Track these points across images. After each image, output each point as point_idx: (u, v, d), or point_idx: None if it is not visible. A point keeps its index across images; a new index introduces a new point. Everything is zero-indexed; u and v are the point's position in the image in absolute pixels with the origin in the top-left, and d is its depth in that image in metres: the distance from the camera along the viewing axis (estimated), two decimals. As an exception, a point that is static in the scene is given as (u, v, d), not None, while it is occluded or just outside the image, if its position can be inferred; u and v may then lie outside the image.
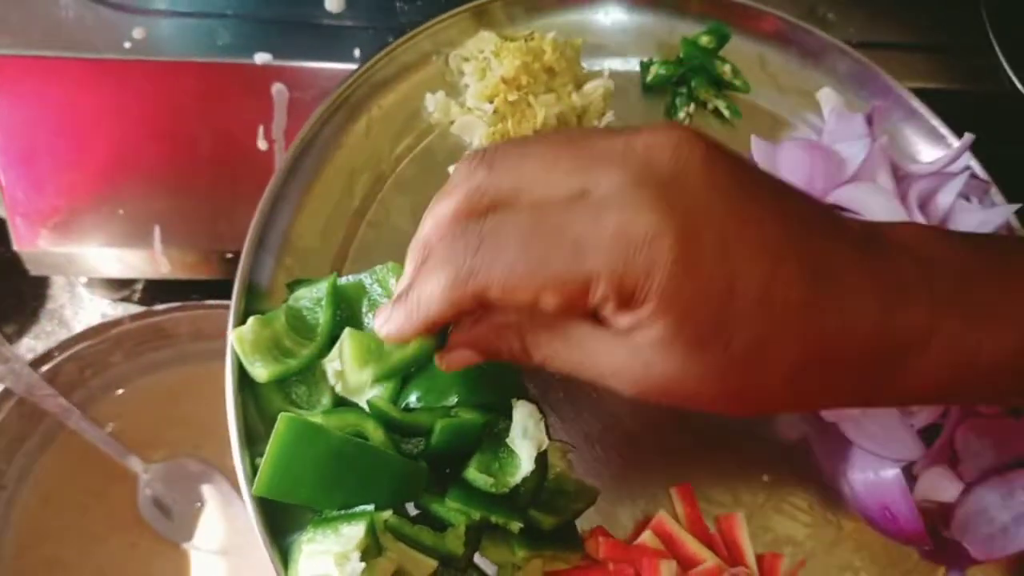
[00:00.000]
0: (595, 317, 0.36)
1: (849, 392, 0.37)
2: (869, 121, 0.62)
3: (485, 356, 0.40)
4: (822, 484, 0.55)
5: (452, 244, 0.36)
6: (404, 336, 0.39)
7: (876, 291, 0.35)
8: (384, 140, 0.59)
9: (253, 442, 0.48)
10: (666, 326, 0.33)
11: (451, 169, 0.59)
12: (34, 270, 0.67)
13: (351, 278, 0.52)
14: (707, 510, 0.53)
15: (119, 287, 0.76)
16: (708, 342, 0.34)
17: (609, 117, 0.61)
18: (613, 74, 0.63)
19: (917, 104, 0.64)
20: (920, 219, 0.58)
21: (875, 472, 0.53)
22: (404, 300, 0.38)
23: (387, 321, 0.40)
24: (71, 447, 0.65)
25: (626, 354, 0.35)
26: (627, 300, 0.33)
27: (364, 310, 0.52)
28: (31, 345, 0.64)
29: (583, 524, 0.52)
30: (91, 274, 0.70)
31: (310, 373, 0.50)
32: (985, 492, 0.54)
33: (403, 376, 0.48)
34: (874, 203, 0.59)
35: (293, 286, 0.52)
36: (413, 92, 0.60)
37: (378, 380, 0.47)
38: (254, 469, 0.46)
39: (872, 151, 0.59)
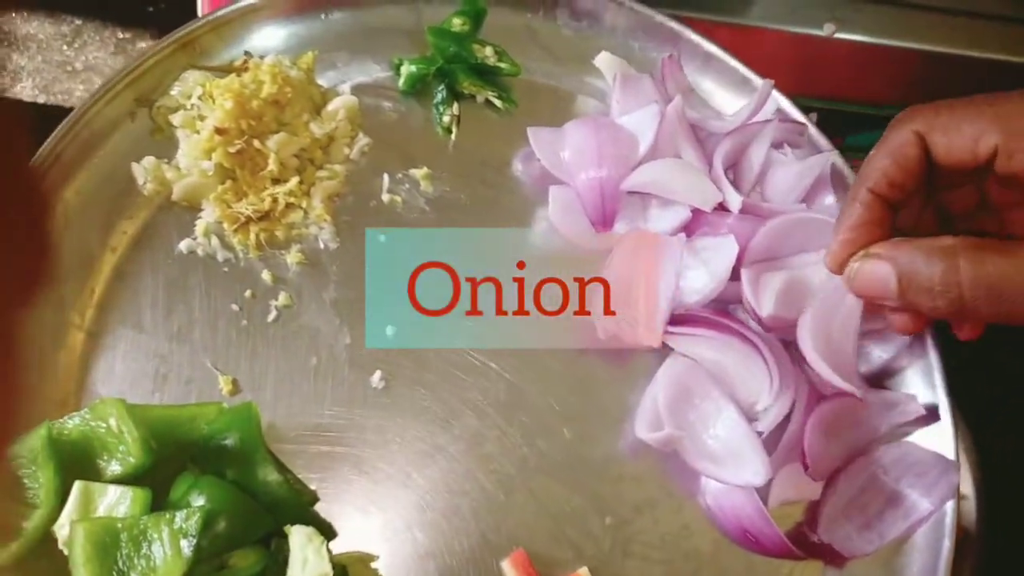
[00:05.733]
0: None
1: None
2: (662, 80, 0.54)
3: (902, 273, 0.41)
4: (670, 511, 0.49)
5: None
6: (862, 244, 0.43)
7: None
8: (91, 230, 0.49)
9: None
10: None
11: (182, 246, 0.50)
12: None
13: (68, 422, 0.43)
14: (549, 574, 0.47)
15: None
16: None
17: (363, 140, 0.52)
18: (359, 87, 0.53)
19: (711, 47, 0.55)
20: (729, 188, 0.51)
21: (726, 495, 0.47)
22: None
23: (829, 252, 0.44)
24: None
25: None
26: None
27: (101, 456, 0.43)
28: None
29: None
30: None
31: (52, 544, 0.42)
32: (847, 482, 0.49)
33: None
34: (677, 182, 0.51)
35: (8, 440, 0.44)
36: (118, 162, 0.50)
37: None
38: None
39: (665, 119, 0.51)
